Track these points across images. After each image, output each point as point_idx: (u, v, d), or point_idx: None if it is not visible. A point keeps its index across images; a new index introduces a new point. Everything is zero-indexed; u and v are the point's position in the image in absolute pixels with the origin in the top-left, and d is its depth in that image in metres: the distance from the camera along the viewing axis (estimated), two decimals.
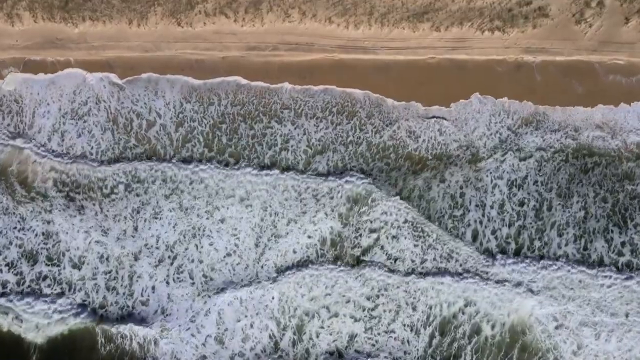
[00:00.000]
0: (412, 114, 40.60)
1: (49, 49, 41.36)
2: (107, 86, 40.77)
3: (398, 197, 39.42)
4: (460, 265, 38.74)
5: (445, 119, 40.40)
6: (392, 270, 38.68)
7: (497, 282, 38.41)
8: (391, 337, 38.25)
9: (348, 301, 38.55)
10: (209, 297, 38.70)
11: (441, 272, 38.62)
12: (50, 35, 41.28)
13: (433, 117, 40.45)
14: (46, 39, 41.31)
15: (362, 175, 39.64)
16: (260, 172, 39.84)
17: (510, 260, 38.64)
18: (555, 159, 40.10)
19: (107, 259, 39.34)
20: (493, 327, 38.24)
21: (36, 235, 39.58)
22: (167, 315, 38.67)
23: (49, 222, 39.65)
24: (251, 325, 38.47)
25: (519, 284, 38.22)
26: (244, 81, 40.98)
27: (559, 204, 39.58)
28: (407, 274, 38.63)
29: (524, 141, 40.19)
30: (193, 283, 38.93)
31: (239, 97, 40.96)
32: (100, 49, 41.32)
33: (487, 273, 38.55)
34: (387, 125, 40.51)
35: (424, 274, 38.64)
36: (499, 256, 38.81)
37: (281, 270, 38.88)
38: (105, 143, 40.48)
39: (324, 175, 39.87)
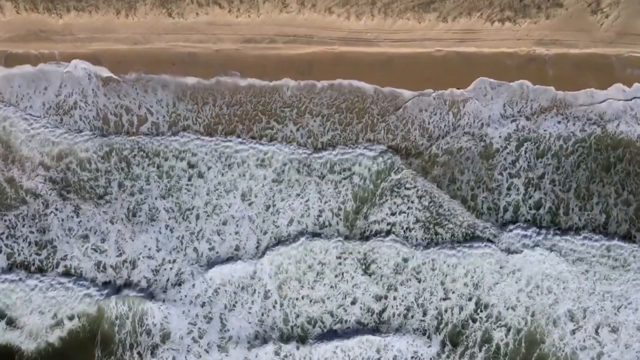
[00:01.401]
0: (425, 106, 39.70)
1: (33, 42, 39.75)
2: (93, 78, 39.28)
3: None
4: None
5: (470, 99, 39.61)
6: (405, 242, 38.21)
7: (513, 251, 37.88)
8: (399, 340, 37.59)
9: (354, 302, 37.75)
10: (211, 300, 37.79)
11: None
12: (34, 27, 39.62)
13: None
14: (29, 31, 39.65)
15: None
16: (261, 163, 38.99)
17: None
18: (576, 151, 39.08)
19: (104, 266, 38.17)
20: (507, 333, 37.57)
21: (29, 244, 38.23)
22: (165, 317, 37.64)
23: (44, 231, 38.31)
24: (256, 337, 37.69)
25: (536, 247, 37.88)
26: (243, 82, 39.67)
27: (577, 205, 38.71)
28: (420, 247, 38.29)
29: (542, 130, 39.20)
30: (194, 285, 37.92)
31: (237, 96, 39.57)
32: (86, 41, 39.80)
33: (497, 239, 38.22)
34: (399, 121, 39.47)
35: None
36: (512, 226, 38.39)
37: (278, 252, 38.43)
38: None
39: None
